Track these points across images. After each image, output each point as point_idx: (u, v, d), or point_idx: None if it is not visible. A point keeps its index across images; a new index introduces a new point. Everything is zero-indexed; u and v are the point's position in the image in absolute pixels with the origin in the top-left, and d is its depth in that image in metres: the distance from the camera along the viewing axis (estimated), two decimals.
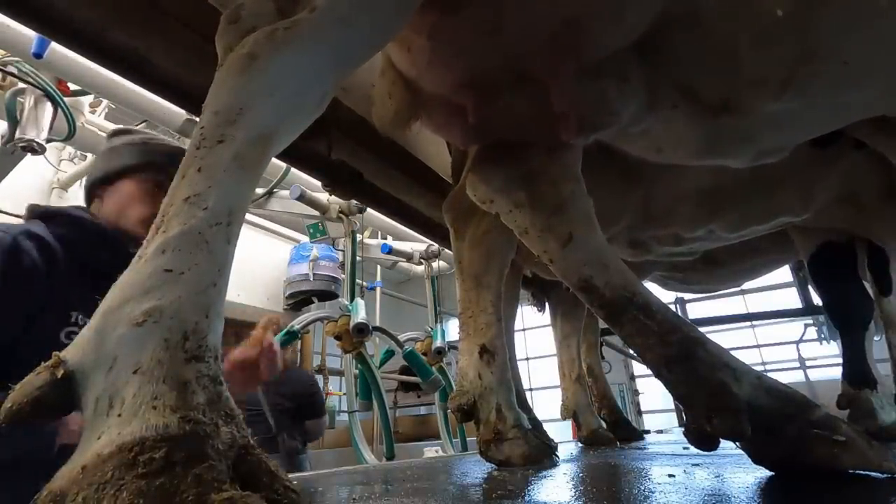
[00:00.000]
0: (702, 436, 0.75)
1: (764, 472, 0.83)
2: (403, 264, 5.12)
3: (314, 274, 4.37)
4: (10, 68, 2.52)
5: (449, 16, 0.76)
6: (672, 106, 0.88)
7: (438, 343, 3.58)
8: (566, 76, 0.82)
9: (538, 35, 0.79)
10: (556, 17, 0.77)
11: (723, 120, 0.87)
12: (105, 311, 0.43)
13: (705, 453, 1.28)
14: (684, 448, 1.43)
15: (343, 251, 4.08)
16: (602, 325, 2.88)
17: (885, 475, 0.71)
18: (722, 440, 0.78)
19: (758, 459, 0.81)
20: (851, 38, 0.76)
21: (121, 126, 1.72)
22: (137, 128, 1.80)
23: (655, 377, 0.85)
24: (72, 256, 1.24)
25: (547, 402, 6.49)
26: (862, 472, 0.72)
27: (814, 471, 0.73)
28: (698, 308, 7.88)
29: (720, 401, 0.74)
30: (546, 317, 2.55)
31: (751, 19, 0.76)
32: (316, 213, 3.77)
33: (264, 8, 0.63)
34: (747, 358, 8.84)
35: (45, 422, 0.39)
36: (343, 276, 4.08)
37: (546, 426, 1.58)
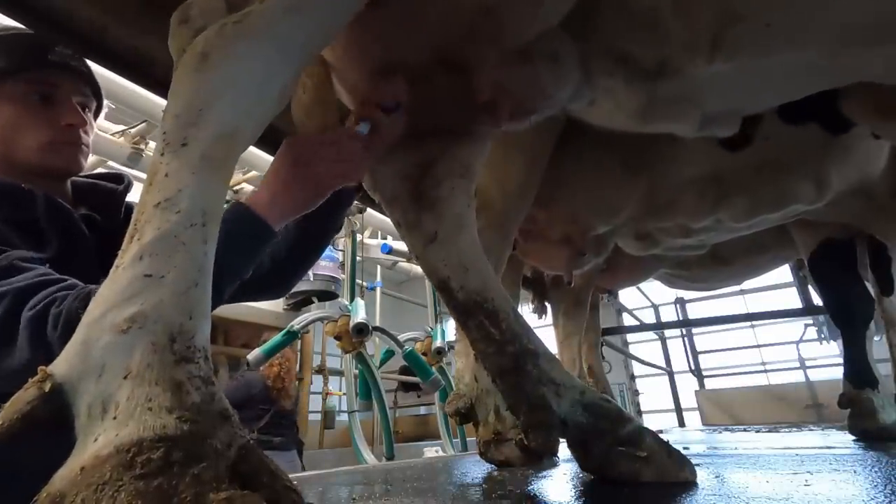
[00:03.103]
0: (524, 449, 0.77)
1: (764, 473, 0.83)
2: (403, 264, 5.13)
3: (314, 274, 4.36)
4: None
5: (370, 4, 0.73)
6: (608, 74, 0.88)
7: (438, 343, 3.57)
8: (488, 63, 0.81)
9: (456, 23, 0.78)
10: (472, 5, 0.76)
11: (661, 83, 0.87)
12: (88, 322, 0.43)
13: (705, 453, 1.28)
14: (684, 448, 1.42)
15: (343, 251, 4.08)
16: (603, 325, 2.89)
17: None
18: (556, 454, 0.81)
19: (584, 470, 0.85)
20: (772, 1, 0.77)
21: None
22: None
23: (494, 385, 0.88)
24: None
25: None
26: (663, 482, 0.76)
27: (623, 483, 0.77)
28: (698, 308, 7.88)
29: (537, 416, 0.77)
30: (547, 317, 2.55)
31: None
32: None
33: (213, 5, 0.61)
34: (747, 358, 8.82)
35: (39, 438, 0.39)
36: (343, 276, 4.08)
37: None
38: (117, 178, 1.17)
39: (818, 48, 0.83)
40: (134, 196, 1.18)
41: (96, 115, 1.16)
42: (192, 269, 0.46)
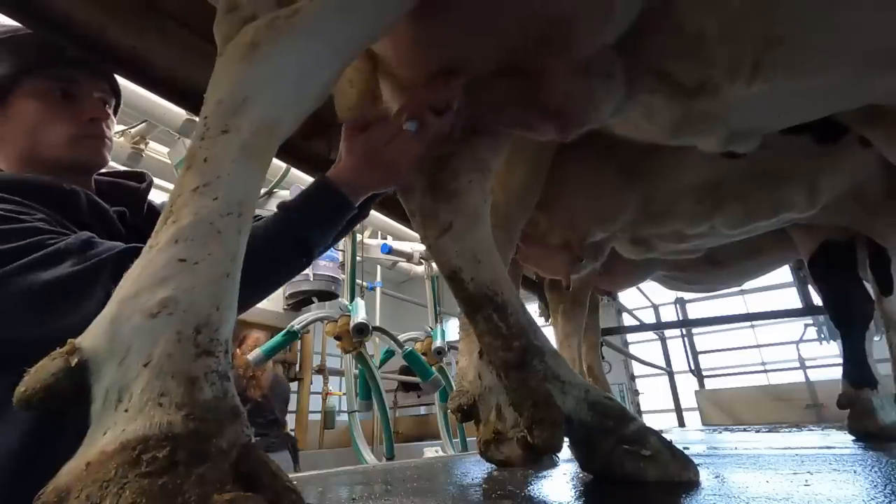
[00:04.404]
0: (527, 446, 0.77)
1: (764, 473, 0.83)
2: (403, 264, 5.12)
3: (314, 274, 4.36)
4: None
5: (440, 6, 0.74)
6: (650, 91, 0.89)
7: (438, 343, 3.58)
8: (557, 73, 0.82)
9: (528, 31, 0.79)
10: (547, 14, 0.77)
11: (698, 101, 0.88)
12: (120, 300, 0.42)
13: (705, 453, 1.28)
14: (684, 448, 1.42)
15: (343, 251, 4.08)
16: (603, 325, 2.89)
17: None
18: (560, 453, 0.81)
19: (584, 469, 0.85)
20: (813, 26, 0.79)
21: None
22: None
23: (499, 380, 0.88)
24: None
25: None
26: (666, 481, 0.75)
27: (627, 482, 0.77)
28: (698, 308, 7.87)
29: (542, 412, 0.77)
30: None
31: (718, 5, 0.78)
32: None
33: None
34: (747, 358, 8.80)
35: (57, 412, 0.39)
36: (343, 276, 4.08)
37: None
38: (139, 176, 1.18)
39: (848, 73, 0.85)
40: (154, 195, 1.18)
41: (115, 113, 1.17)
42: (226, 259, 0.46)
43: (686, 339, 7.89)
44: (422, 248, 4.86)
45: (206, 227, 0.45)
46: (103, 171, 1.13)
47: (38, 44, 1.05)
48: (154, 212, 1.13)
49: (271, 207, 3.94)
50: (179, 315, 0.41)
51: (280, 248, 0.87)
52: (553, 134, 0.90)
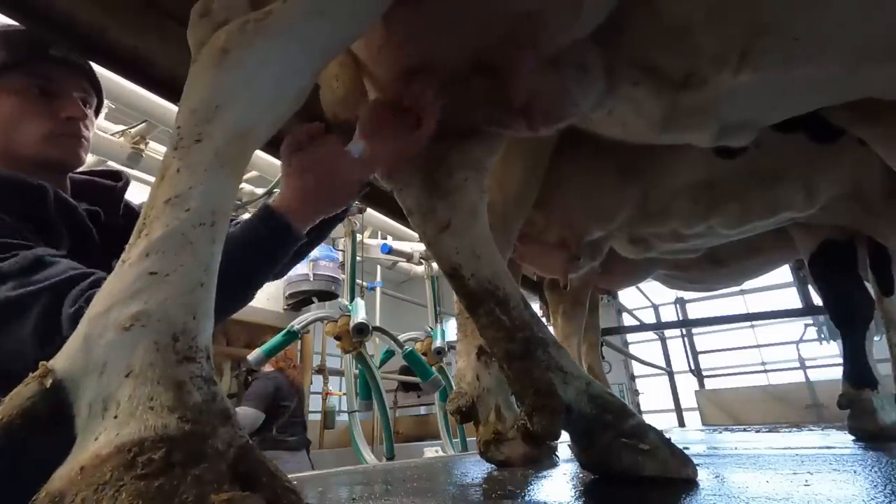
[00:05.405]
0: (527, 433, 0.77)
1: (764, 473, 0.83)
2: (403, 264, 5.12)
3: (314, 274, 4.36)
4: None
5: (407, 5, 0.73)
6: (633, 83, 0.89)
7: (438, 343, 3.58)
8: (525, 69, 0.82)
9: (496, 27, 0.78)
10: (515, 11, 0.76)
11: (685, 94, 0.88)
12: (91, 318, 0.42)
13: (705, 453, 1.27)
14: (684, 448, 1.42)
15: (343, 251, 4.08)
16: (603, 325, 2.89)
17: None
18: (556, 440, 0.82)
19: (583, 464, 0.85)
20: (801, 15, 0.78)
21: None
22: None
23: (501, 371, 0.89)
24: None
25: None
26: (664, 477, 0.76)
27: (623, 477, 0.77)
28: (698, 308, 7.87)
29: (543, 400, 0.78)
30: None
31: None
32: None
33: (236, 0, 0.61)
34: (747, 358, 8.79)
35: (38, 434, 0.39)
36: (343, 276, 4.08)
37: None
38: (115, 175, 1.17)
39: (838, 64, 0.84)
40: (132, 194, 1.18)
41: (97, 113, 1.16)
42: (199, 269, 0.46)
43: (686, 339, 7.90)
44: (422, 247, 4.86)
45: (177, 238, 0.45)
46: (80, 170, 1.12)
47: (20, 41, 1.04)
48: (132, 212, 1.11)
49: None
50: (153, 326, 0.41)
51: (221, 284, 0.83)
52: (524, 130, 0.90)
